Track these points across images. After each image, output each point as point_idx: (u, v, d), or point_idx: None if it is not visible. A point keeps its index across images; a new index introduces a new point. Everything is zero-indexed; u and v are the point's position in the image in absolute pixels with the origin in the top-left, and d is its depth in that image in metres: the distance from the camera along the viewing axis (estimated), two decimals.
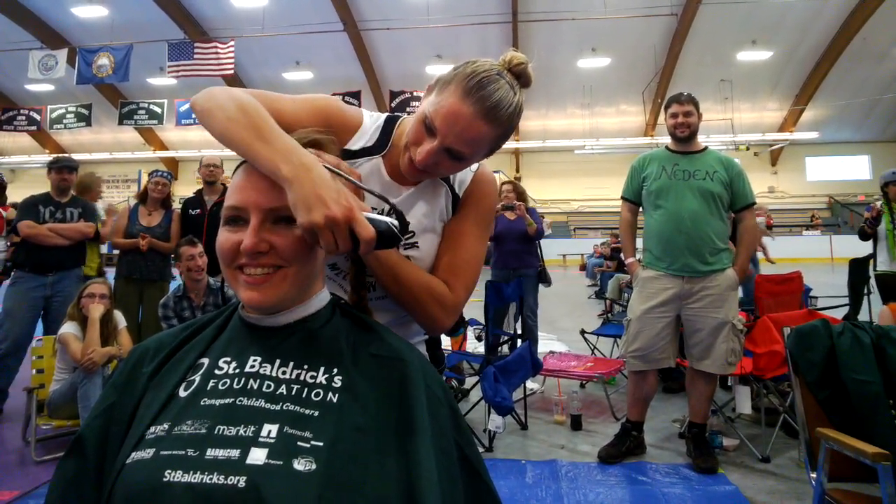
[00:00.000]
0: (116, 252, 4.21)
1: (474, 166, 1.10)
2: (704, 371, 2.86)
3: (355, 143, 1.04)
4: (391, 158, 1.04)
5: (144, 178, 4.51)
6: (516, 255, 4.50)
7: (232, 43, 15.40)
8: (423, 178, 1.02)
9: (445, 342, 4.57)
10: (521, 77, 0.96)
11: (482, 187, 1.10)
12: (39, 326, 3.77)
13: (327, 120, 0.99)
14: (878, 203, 4.87)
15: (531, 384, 4.11)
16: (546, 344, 5.51)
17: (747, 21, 18.33)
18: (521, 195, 4.63)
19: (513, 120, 0.94)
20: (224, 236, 0.77)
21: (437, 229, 1.07)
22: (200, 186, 4.33)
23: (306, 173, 0.72)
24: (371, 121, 1.07)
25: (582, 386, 4.29)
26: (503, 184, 4.65)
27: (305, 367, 0.74)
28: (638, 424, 3.03)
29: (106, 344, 3.10)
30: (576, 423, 3.42)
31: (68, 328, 3.10)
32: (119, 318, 3.30)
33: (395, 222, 0.76)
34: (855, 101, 21.29)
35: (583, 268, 17.14)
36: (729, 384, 3.62)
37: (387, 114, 1.10)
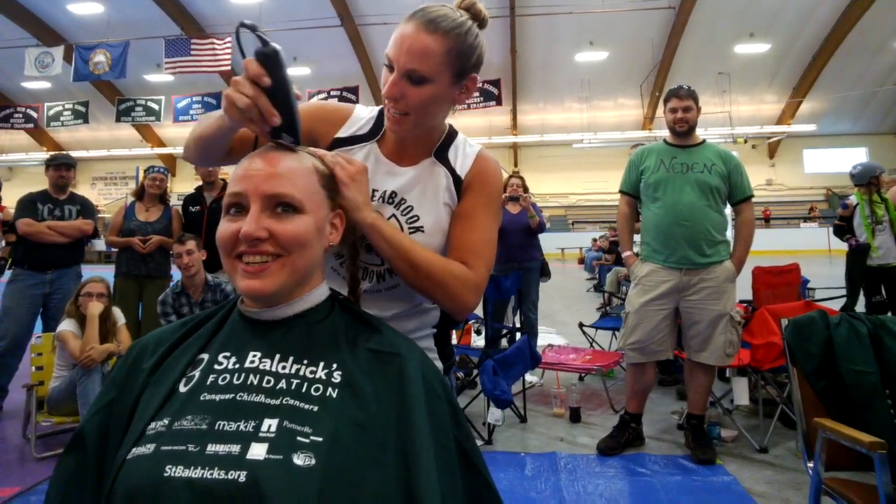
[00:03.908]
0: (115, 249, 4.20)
1: (475, 149, 1.11)
2: (703, 363, 2.88)
3: (346, 131, 1.09)
4: (385, 142, 1.08)
5: (142, 175, 4.50)
6: (521, 248, 4.51)
7: (229, 39, 15.31)
8: (406, 127, 1.00)
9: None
10: (470, 10, 0.99)
11: (486, 168, 1.10)
12: (39, 324, 3.77)
13: (315, 112, 1.07)
14: (852, 198, 4.84)
15: (530, 377, 4.12)
16: (545, 337, 5.52)
17: (745, 14, 18.31)
18: (525, 190, 4.63)
19: (461, 35, 0.96)
20: (224, 226, 0.77)
21: (440, 212, 1.07)
22: (200, 183, 4.32)
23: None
24: (365, 112, 1.12)
25: (581, 379, 4.30)
26: (510, 177, 4.66)
27: (305, 362, 0.74)
28: (636, 416, 3.04)
29: (105, 341, 3.11)
30: (575, 416, 3.43)
31: (66, 326, 3.10)
32: (118, 314, 3.30)
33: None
34: (852, 93, 21.29)
35: (581, 261, 17.17)
36: (727, 376, 3.62)
37: (382, 106, 1.11)
